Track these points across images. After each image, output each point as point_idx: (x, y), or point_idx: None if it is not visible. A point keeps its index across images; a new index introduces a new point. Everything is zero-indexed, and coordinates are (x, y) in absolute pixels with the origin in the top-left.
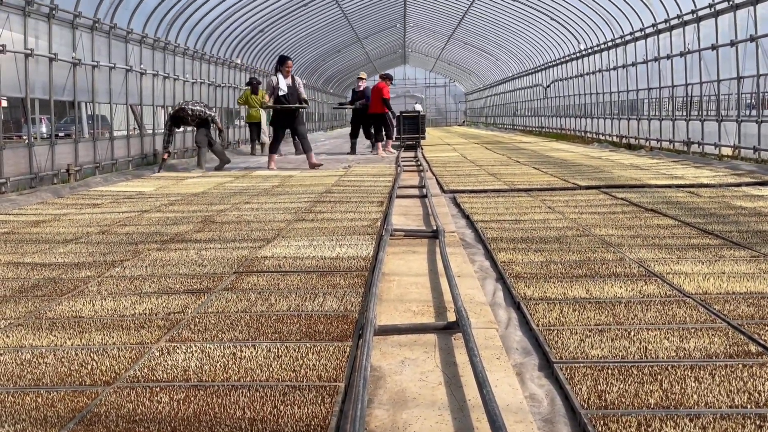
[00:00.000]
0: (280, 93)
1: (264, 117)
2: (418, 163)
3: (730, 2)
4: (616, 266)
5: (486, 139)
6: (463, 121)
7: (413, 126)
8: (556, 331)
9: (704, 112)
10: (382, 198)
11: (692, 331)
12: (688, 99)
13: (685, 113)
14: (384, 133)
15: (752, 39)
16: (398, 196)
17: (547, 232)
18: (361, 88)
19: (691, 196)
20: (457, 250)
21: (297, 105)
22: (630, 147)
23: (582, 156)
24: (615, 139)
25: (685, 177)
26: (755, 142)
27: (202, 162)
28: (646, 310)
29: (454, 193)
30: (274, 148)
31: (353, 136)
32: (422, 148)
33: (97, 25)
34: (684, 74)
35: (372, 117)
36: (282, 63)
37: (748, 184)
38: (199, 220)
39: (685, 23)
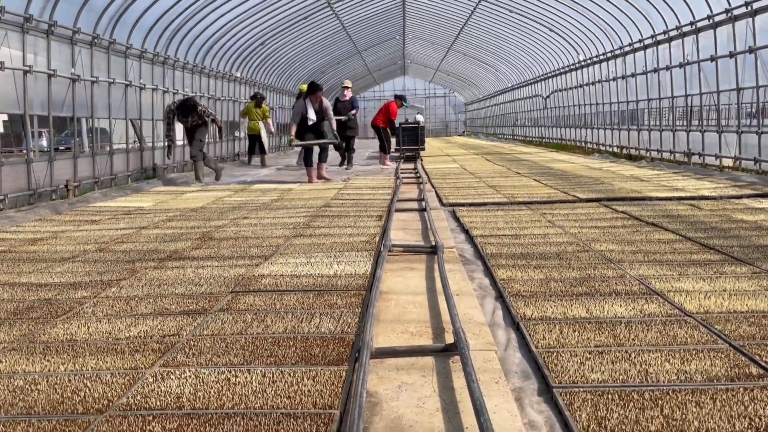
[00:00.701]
0: (309, 122)
1: (264, 130)
2: (418, 174)
3: (729, 14)
4: (616, 284)
5: (486, 149)
6: (463, 131)
7: (413, 137)
8: (555, 354)
9: (704, 123)
10: (381, 212)
11: (693, 352)
12: (688, 110)
13: (685, 124)
14: (380, 145)
15: (751, 50)
16: (397, 210)
17: (547, 247)
18: (347, 98)
19: (692, 209)
20: (456, 266)
21: (324, 141)
22: (631, 158)
23: (582, 167)
24: (615, 149)
25: (686, 189)
26: (756, 153)
27: (200, 175)
28: (647, 330)
29: (453, 207)
30: (309, 161)
31: (339, 148)
32: (422, 160)
33: (96, 40)
34: (684, 85)
35: (373, 129)
36: (312, 92)
37: (749, 196)
38: (197, 237)
39: (684, 35)
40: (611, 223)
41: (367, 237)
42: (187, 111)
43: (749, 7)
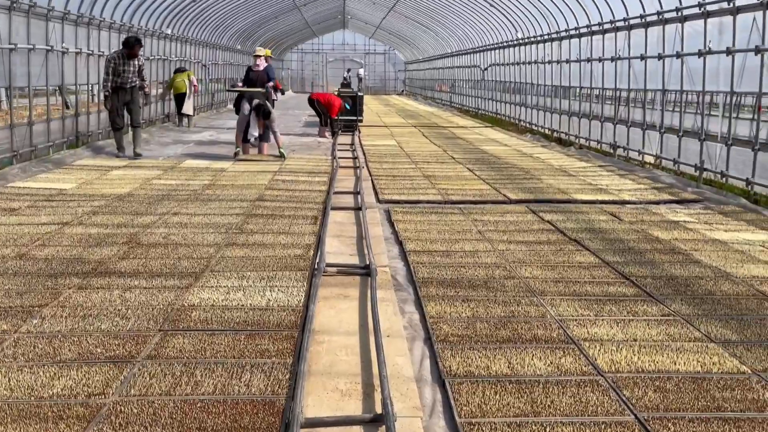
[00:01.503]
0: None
1: (188, 88)
2: (355, 155)
3: (660, 16)
4: (537, 326)
5: (424, 119)
6: (402, 91)
7: (351, 108)
8: (477, 427)
9: (630, 118)
10: (317, 211)
11: (602, 426)
12: (617, 103)
13: (613, 116)
14: (320, 120)
15: (678, 56)
16: (333, 207)
17: (476, 271)
18: (261, 68)
19: (612, 221)
20: (389, 294)
21: (278, 155)
22: (561, 142)
23: (515, 152)
24: (547, 131)
25: (609, 189)
26: (675, 154)
27: (137, 144)
28: (563, 394)
29: (389, 204)
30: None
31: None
32: (359, 132)
33: (15, 4)
34: (614, 78)
35: (310, 102)
36: (264, 118)
37: (666, 202)
38: (124, 241)
39: (617, 29)
40: (537, 237)
41: (301, 249)
42: (130, 46)
43: (679, 13)
